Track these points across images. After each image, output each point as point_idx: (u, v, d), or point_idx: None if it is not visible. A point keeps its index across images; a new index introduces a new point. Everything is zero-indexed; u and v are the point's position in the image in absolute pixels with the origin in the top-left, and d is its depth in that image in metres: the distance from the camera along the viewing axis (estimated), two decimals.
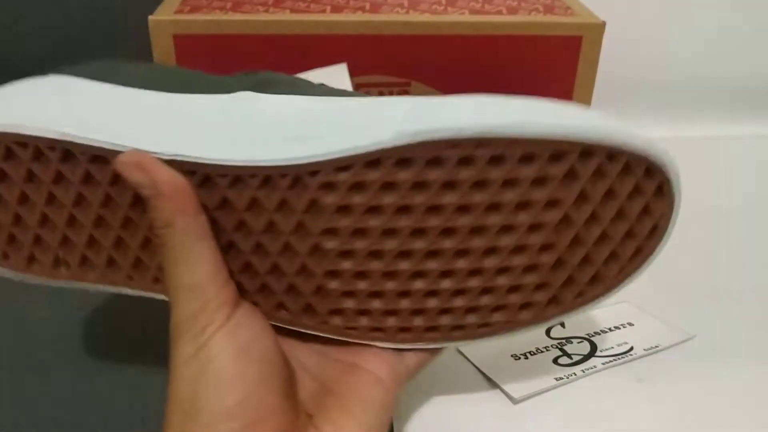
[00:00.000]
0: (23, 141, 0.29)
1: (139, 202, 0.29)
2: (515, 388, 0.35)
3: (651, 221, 0.29)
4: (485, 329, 0.31)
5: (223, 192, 0.28)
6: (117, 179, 0.29)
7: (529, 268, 0.29)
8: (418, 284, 0.29)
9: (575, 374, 0.36)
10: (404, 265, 0.29)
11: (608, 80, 0.54)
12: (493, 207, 0.28)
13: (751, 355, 0.39)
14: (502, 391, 0.35)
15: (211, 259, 0.28)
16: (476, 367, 0.37)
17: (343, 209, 0.28)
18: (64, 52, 0.62)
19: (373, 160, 0.27)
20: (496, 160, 0.27)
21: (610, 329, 0.40)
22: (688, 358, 0.38)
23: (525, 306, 0.30)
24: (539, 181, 0.27)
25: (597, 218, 0.28)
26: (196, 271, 0.27)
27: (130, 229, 0.30)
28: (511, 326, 0.31)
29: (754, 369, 0.38)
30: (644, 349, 0.38)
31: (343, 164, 0.27)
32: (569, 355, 0.38)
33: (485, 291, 0.30)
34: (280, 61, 0.46)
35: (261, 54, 0.46)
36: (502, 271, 0.29)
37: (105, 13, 0.61)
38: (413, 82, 0.49)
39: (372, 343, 0.31)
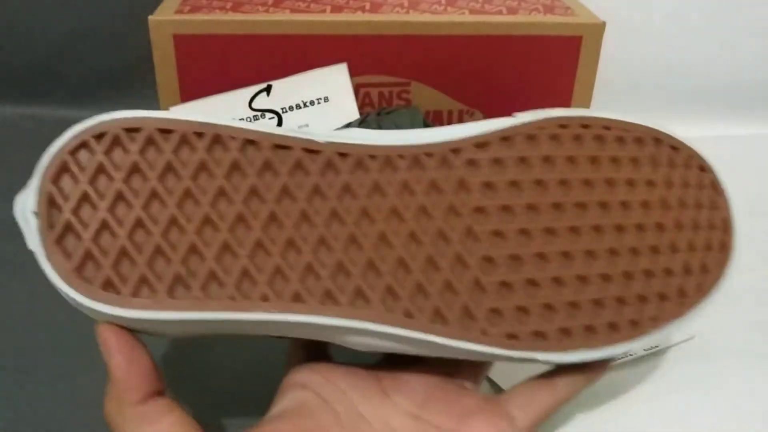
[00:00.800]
0: (168, 127, 0.26)
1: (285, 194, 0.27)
2: (504, 379, 0.35)
3: (719, 214, 0.32)
4: (650, 325, 0.30)
5: (375, 175, 0.28)
6: (266, 168, 0.27)
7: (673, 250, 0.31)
8: (573, 268, 0.29)
9: None
10: (552, 246, 0.29)
11: (608, 80, 0.54)
12: (608, 182, 0.30)
13: (751, 355, 0.39)
14: (493, 383, 0.35)
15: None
16: None
17: (488, 186, 0.29)
18: (65, 53, 0.62)
19: (507, 136, 0.30)
20: (598, 138, 0.31)
21: None
22: (688, 358, 0.38)
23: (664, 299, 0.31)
24: (635, 161, 0.31)
25: (685, 204, 0.31)
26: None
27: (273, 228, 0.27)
28: (656, 324, 0.30)
29: (754, 369, 0.38)
30: (644, 349, 0.38)
31: (481, 141, 0.29)
32: None
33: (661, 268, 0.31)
34: (281, 61, 0.46)
35: (261, 54, 0.46)
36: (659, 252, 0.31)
37: (105, 14, 0.61)
38: (413, 82, 0.49)
39: (534, 356, 0.29)
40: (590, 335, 0.29)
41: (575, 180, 0.30)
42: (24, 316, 0.41)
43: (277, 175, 0.27)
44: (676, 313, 0.31)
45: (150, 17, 0.45)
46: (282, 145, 0.27)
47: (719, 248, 0.32)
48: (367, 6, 0.49)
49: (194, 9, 0.47)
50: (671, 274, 0.31)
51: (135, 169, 0.26)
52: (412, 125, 0.41)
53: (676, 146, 0.32)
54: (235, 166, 0.27)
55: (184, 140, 0.26)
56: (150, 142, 0.26)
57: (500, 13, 0.49)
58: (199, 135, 0.26)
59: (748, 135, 0.66)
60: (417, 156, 0.28)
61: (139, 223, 0.26)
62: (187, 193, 0.26)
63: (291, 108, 0.45)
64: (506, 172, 0.29)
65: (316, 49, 0.46)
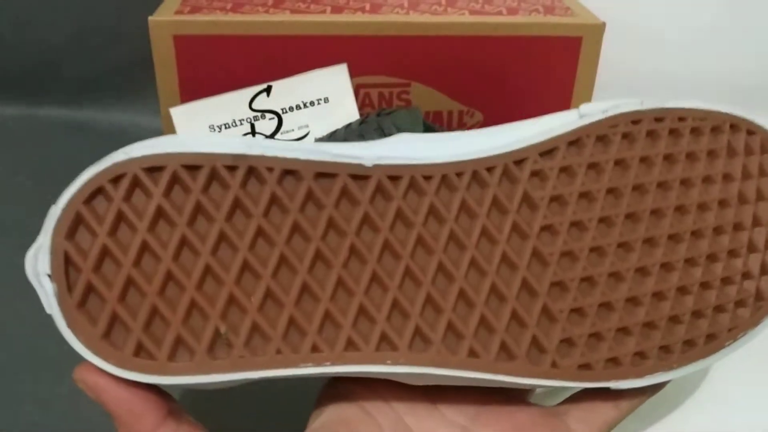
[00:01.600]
0: (194, 162, 0.23)
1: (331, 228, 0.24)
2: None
3: None
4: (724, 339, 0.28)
5: (431, 198, 0.25)
6: (306, 202, 0.24)
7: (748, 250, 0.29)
8: (648, 285, 0.27)
9: None
10: (626, 262, 0.27)
11: (608, 81, 0.54)
12: (684, 182, 0.28)
13: (752, 356, 0.38)
14: None
15: None
16: None
17: (556, 200, 0.26)
18: (65, 53, 0.62)
19: (574, 139, 0.27)
20: (673, 133, 0.28)
21: None
22: None
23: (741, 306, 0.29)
24: (711, 154, 0.29)
25: (763, 196, 0.29)
26: None
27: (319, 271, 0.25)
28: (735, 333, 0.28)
29: (755, 370, 0.37)
30: None
31: (546, 148, 0.26)
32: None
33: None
34: (280, 62, 0.46)
35: (261, 55, 0.46)
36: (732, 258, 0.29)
37: (105, 14, 0.61)
38: (413, 83, 0.49)
39: (608, 384, 0.27)
40: (666, 355, 0.27)
41: (650, 184, 0.27)
42: (23, 316, 0.41)
43: (321, 207, 0.24)
44: (753, 321, 0.28)
45: (150, 18, 0.45)
46: (325, 173, 0.24)
47: None
48: (367, 7, 0.49)
49: (194, 10, 0.47)
50: (749, 276, 0.29)
51: (160, 215, 0.23)
52: (412, 126, 0.41)
53: (752, 130, 0.29)
54: (273, 202, 0.24)
55: (214, 176, 0.23)
56: (175, 181, 0.23)
57: (500, 13, 0.49)
58: (232, 169, 0.23)
59: None
60: (477, 172, 0.25)
61: (169, 277, 0.23)
62: (222, 237, 0.23)
63: (291, 108, 0.45)
64: (575, 181, 0.27)
65: (316, 49, 0.46)
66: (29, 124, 0.62)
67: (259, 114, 0.45)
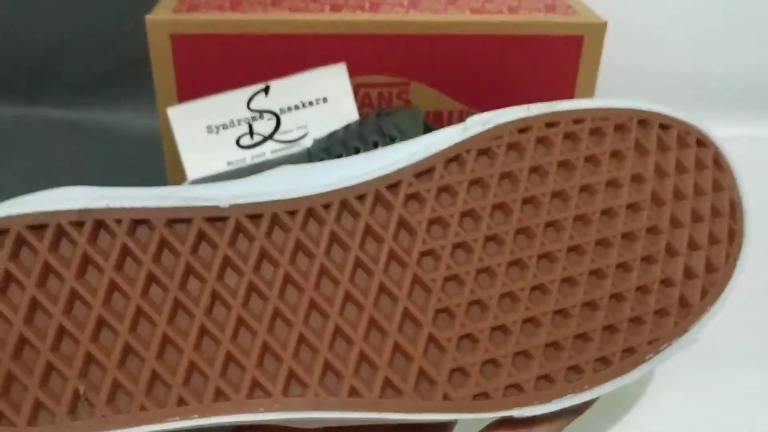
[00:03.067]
0: (38, 222, 0.22)
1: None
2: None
3: (725, 196, 0.27)
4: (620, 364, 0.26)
5: (297, 234, 0.24)
6: (161, 251, 0.23)
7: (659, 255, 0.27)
8: (548, 303, 0.25)
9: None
10: (520, 281, 0.25)
11: (610, 80, 0.54)
12: (585, 189, 0.26)
13: (753, 358, 0.38)
14: None
15: None
16: None
17: (436, 223, 0.25)
18: (64, 53, 0.62)
19: (453, 156, 0.25)
20: (569, 137, 0.26)
21: None
22: (690, 361, 0.38)
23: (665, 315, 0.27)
24: (617, 155, 0.27)
25: (682, 195, 0.27)
26: None
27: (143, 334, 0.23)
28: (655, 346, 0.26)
29: (756, 372, 0.37)
30: None
31: (421, 168, 0.25)
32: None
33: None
34: (279, 61, 0.46)
35: (259, 54, 0.46)
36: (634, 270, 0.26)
37: (104, 14, 0.60)
38: (413, 82, 0.49)
39: (510, 413, 0.25)
40: (576, 376, 0.25)
41: (544, 195, 0.26)
42: None
43: (177, 255, 0.23)
44: (678, 330, 0.27)
45: (147, 17, 0.45)
46: (179, 219, 0.23)
47: (728, 238, 0.28)
48: (367, 5, 0.49)
49: (192, 8, 0.46)
50: (670, 283, 0.27)
51: (10, 278, 0.22)
52: (412, 126, 0.41)
53: (666, 124, 0.27)
54: (126, 254, 0.23)
55: (61, 233, 0.23)
56: (21, 243, 0.22)
57: (501, 12, 0.49)
58: (78, 224, 0.22)
59: (751, 135, 0.66)
60: (346, 201, 0.24)
61: (23, 341, 0.22)
62: (74, 295, 0.23)
63: (289, 108, 0.45)
64: (457, 201, 0.25)
65: (315, 48, 0.46)
66: (26, 124, 0.62)
67: (257, 114, 0.44)
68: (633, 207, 0.27)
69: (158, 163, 0.50)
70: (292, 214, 0.24)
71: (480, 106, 0.50)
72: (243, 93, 0.45)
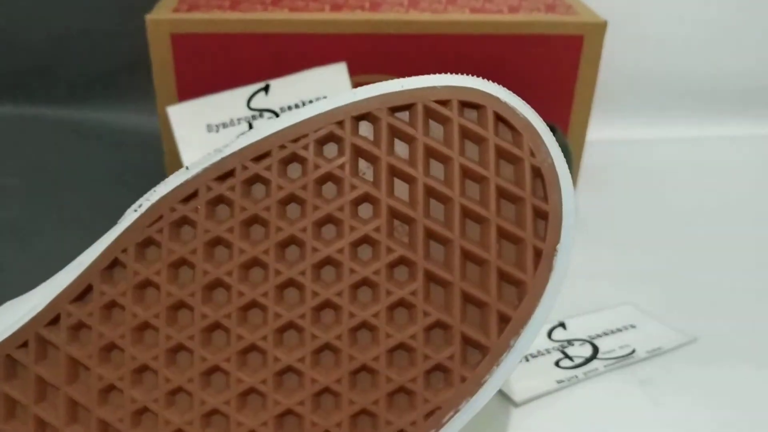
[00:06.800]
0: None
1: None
2: (516, 391, 0.35)
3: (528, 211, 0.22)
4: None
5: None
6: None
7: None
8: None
9: (577, 377, 0.36)
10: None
11: (610, 80, 0.54)
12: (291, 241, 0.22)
13: (754, 357, 0.38)
14: (503, 394, 0.35)
15: None
16: None
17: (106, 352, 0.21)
18: (64, 53, 0.62)
19: (108, 266, 0.21)
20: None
21: (612, 331, 0.39)
22: (691, 360, 0.38)
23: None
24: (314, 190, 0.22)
25: (473, 175, 0.22)
26: None
27: None
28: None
29: (757, 371, 0.37)
30: (646, 352, 0.38)
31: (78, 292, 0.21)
32: (571, 358, 0.37)
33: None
34: (279, 60, 0.46)
35: (259, 53, 0.46)
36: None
37: (104, 13, 0.60)
38: None
39: None
40: None
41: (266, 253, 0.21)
42: None
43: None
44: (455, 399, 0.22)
45: (147, 16, 0.45)
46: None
47: (516, 282, 0.22)
48: (367, 4, 0.49)
49: (192, 7, 0.46)
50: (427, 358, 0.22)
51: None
52: None
53: (437, 105, 0.22)
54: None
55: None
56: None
57: (501, 11, 0.49)
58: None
59: (750, 135, 0.66)
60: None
61: None
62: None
63: (289, 107, 0.45)
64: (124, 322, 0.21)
65: (315, 47, 0.46)
66: (26, 124, 0.62)
67: (257, 113, 0.44)
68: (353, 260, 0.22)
69: (158, 163, 0.50)
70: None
71: None
72: (243, 92, 0.45)
